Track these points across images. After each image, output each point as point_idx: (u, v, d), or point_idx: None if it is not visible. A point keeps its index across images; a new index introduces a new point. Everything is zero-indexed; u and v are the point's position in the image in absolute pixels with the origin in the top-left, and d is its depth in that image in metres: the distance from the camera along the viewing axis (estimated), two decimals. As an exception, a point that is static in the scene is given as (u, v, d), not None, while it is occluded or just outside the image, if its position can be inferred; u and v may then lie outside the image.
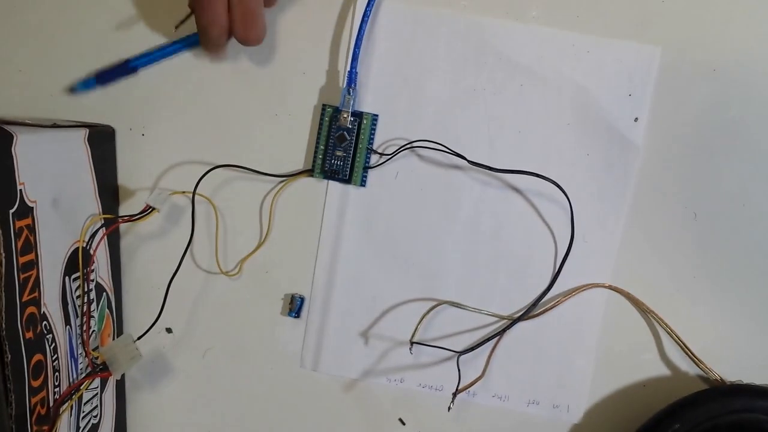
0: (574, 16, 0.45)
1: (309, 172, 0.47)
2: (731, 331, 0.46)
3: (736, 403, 0.43)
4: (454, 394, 0.45)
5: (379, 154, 0.47)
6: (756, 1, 0.44)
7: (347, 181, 0.47)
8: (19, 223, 0.37)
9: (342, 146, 0.46)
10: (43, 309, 0.39)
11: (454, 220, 0.47)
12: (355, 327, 0.49)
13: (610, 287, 0.47)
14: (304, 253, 0.48)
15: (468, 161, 0.45)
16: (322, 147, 0.47)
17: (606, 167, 0.46)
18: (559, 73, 0.46)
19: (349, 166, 0.47)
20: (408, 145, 0.46)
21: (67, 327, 0.42)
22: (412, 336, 0.46)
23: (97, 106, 0.48)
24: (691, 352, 0.46)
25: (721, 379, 0.45)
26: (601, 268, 0.47)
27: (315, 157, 0.47)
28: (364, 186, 0.47)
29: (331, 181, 0.47)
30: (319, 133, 0.47)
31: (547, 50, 0.45)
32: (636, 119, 0.45)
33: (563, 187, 0.45)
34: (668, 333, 0.46)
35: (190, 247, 0.48)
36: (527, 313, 0.46)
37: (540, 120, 0.46)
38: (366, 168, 0.47)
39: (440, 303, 0.47)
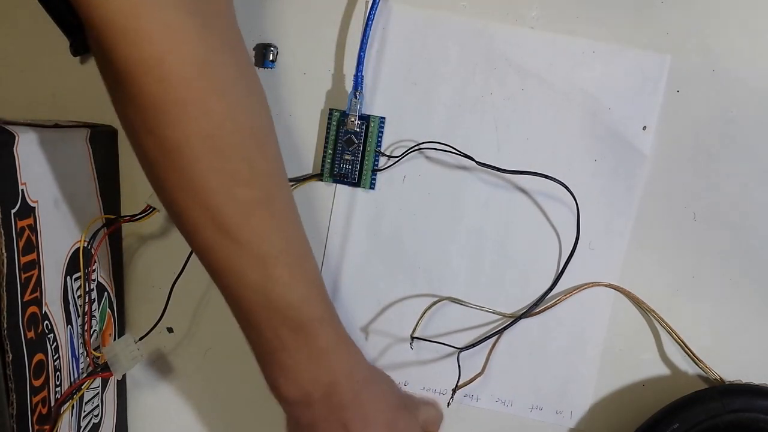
0: (582, 22, 0.45)
1: (318, 176, 0.47)
2: (731, 330, 0.46)
3: (735, 402, 0.43)
4: (454, 390, 0.45)
5: (388, 156, 0.47)
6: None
7: (356, 184, 0.47)
8: (21, 223, 0.37)
9: (350, 150, 0.46)
10: (44, 308, 0.39)
11: (461, 223, 0.47)
12: (359, 328, 0.49)
13: (611, 286, 0.47)
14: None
15: (476, 162, 0.45)
16: (330, 151, 0.47)
17: (613, 173, 0.46)
18: (569, 80, 0.45)
19: (357, 169, 0.47)
20: (417, 147, 0.46)
21: (69, 327, 0.42)
22: (413, 330, 0.46)
23: (99, 106, 0.48)
24: (691, 352, 0.46)
25: (721, 378, 0.45)
26: (604, 270, 0.46)
27: (324, 161, 0.47)
28: (373, 189, 0.47)
29: (339, 185, 0.47)
30: (327, 138, 0.47)
31: (557, 57, 0.45)
32: (644, 128, 0.45)
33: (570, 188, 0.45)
34: (668, 332, 0.46)
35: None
36: (529, 311, 0.47)
37: (548, 126, 0.46)
38: (375, 171, 0.47)
39: (441, 299, 0.47)
